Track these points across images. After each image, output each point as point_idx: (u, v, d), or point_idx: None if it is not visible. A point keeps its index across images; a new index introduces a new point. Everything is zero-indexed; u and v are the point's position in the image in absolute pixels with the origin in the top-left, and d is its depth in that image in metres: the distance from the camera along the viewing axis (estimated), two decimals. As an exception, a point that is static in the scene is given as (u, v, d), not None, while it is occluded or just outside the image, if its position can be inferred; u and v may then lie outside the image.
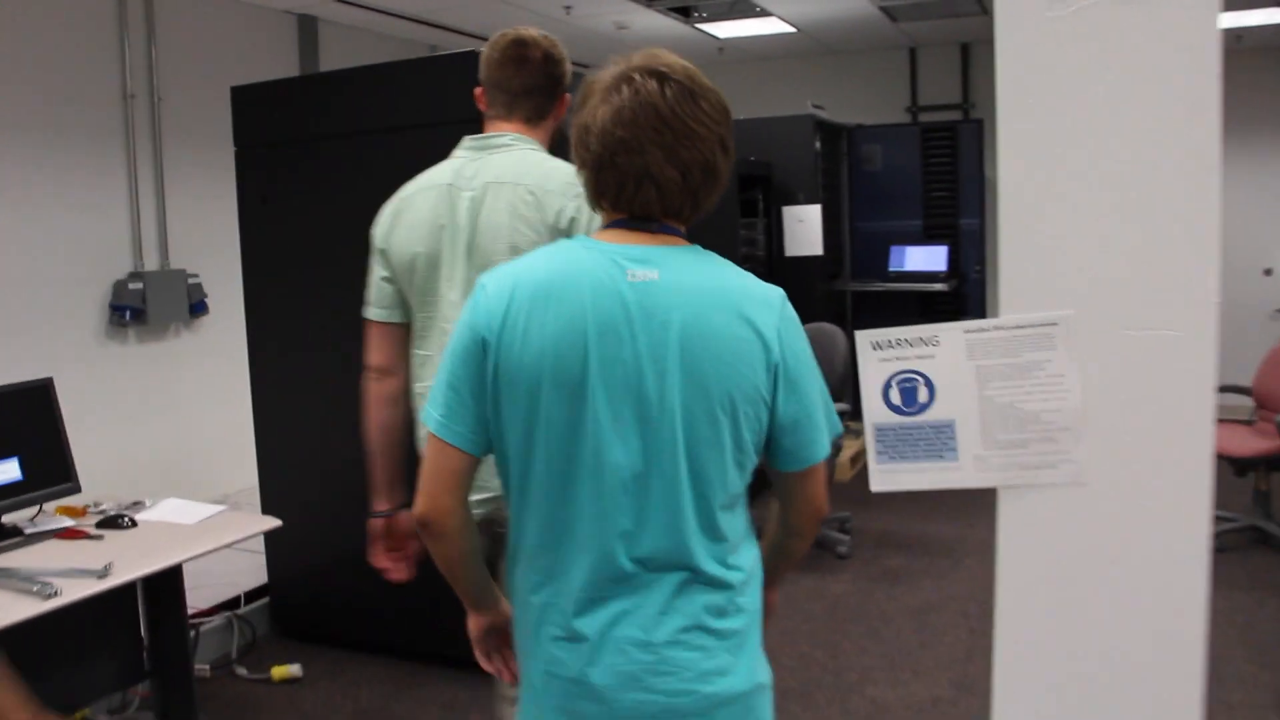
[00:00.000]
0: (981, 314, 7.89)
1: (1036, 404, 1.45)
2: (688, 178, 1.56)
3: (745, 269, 1.62)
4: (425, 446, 1.62)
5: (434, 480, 1.61)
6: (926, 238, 7.61)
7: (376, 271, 2.55)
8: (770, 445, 1.59)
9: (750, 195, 6.60)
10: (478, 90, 2.51)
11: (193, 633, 3.97)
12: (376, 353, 2.56)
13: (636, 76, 1.54)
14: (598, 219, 1.66)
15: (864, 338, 1.52)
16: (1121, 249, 1.43)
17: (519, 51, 2.43)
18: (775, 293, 1.58)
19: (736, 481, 1.57)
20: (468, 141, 2.50)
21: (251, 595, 4.41)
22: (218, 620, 4.16)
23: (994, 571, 1.52)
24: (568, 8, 6.98)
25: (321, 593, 4.27)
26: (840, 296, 7.50)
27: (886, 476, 1.52)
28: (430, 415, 1.60)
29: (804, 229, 6.68)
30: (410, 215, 2.48)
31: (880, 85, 9.00)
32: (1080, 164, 1.44)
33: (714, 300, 1.53)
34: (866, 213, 7.72)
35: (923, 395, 1.49)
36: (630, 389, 1.51)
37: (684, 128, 1.53)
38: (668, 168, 1.54)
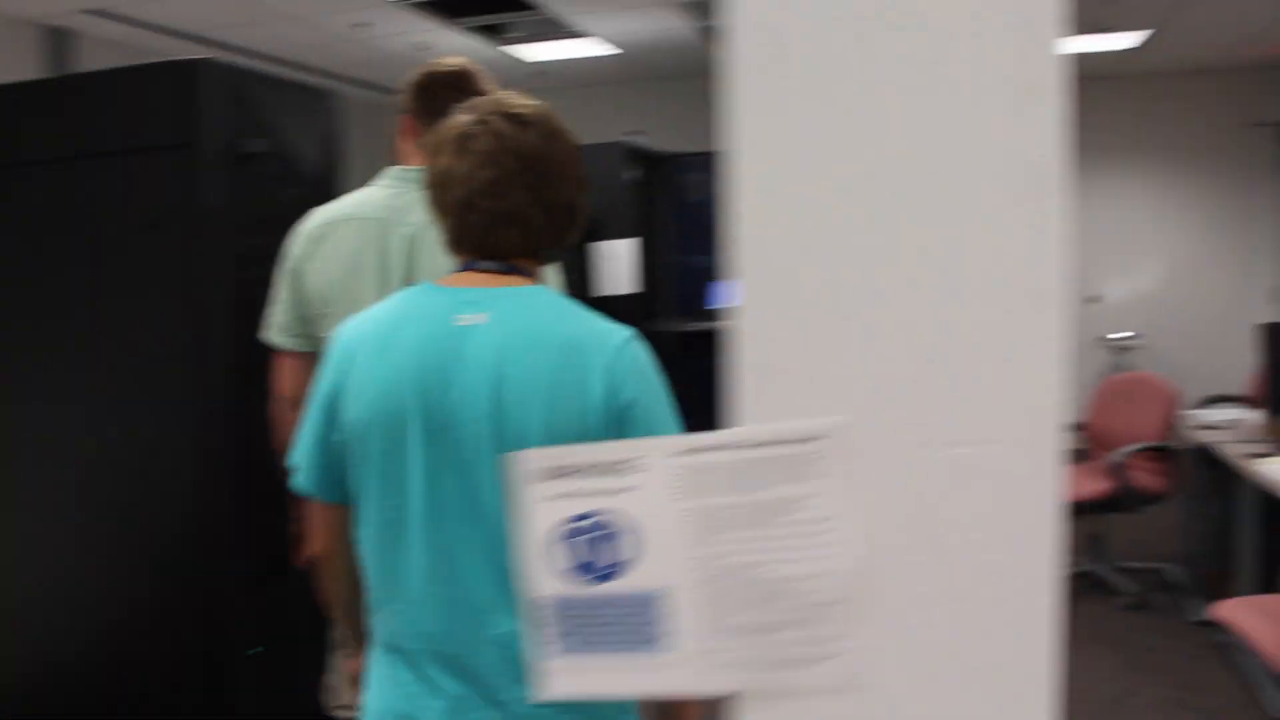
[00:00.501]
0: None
1: (790, 566, 0.91)
2: (552, 217, 1.60)
3: None
4: None
5: (312, 524, 1.72)
6: (751, 274, 7.18)
7: (285, 295, 2.46)
8: None
9: (558, 230, 6.08)
10: (405, 119, 2.46)
11: None
12: (290, 381, 2.45)
13: (492, 119, 1.57)
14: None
15: (527, 462, 0.96)
16: (921, 325, 0.91)
17: (459, 81, 2.39)
18: (617, 335, 1.56)
19: None
20: (394, 172, 2.44)
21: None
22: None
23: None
24: (357, 25, 6.37)
25: (35, 679, 3.52)
26: (658, 338, 6.97)
27: (567, 676, 0.96)
28: (292, 464, 1.66)
29: (615, 266, 6.17)
30: (333, 245, 2.41)
31: (717, 113, 8.59)
32: (857, 198, 0.91)
33: (538, 342, 1.52)
34: (691, 246, 7.24)
35: (615, 552, 0.94)
36: (449, 438, 1.50)
37: (546, 168, 1.58)
38: (534, 209, 1.57)
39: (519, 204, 1.55)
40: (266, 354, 2.53)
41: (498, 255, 1.58)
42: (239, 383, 3.09)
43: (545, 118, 1.61)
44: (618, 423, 1.48)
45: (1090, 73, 7.79)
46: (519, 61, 7.58)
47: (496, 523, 1.44)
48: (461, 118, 1.59)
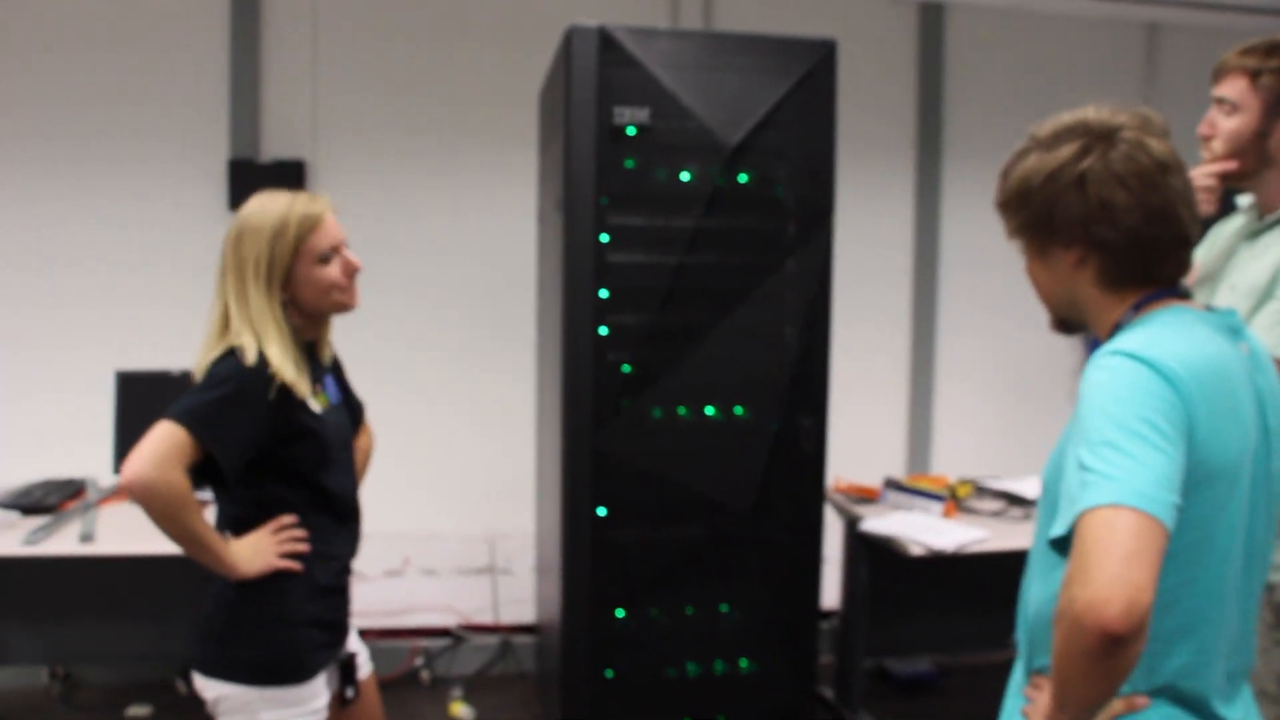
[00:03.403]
0: None
1: None
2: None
3: None
4: (1102, 530, 1.29)
5: (1145, 567, 1.28)
6: None
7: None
8: None
9: None
10: None
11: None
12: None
13: (1128, 135, 1.49)
14: None
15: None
16: None
17: None
18: None
19: None
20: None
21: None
22: None
23: None
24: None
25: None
26: None
27: None
28: (1139, 490, 1.31)
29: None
30: None
31: None
32: None
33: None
34: None
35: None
36: (1264, 474, 1.50)
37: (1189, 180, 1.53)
38: (1195, 225, 1.53)
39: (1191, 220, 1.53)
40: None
41: (1174, 279, 1.55)
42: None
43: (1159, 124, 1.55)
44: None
45: None
46: None
47: (1265, 553, 1.53)
48: (1066, 143, 1.52)
